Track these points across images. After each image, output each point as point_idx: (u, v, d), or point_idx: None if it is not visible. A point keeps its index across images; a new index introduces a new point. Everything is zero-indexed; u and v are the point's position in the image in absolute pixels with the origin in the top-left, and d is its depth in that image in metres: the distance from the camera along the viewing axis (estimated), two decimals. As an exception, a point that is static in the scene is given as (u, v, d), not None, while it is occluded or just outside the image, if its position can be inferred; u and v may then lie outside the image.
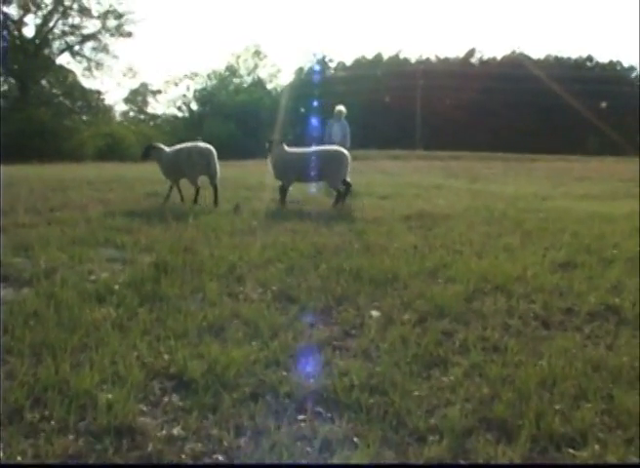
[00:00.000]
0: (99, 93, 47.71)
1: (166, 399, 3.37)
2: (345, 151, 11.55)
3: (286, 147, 11.61)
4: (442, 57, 61.96)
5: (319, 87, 49.41)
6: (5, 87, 43.42)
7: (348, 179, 11.38)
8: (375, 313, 4.87)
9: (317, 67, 58.25)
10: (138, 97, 57.96)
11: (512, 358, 4.00)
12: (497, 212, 10.62)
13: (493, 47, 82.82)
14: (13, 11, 41.21)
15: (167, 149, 11.73)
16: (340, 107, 16.01)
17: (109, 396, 3.25)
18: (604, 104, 51.01)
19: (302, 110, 42.98)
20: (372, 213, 10.24)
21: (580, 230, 8.64)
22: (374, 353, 4.07)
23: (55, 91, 44.70)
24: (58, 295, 4.96)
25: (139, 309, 4.74)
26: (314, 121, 29.34)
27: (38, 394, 3.30)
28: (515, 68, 52.92)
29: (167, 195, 11.39)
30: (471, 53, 61.02)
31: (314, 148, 12.06)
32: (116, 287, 5.24)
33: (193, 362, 3.72)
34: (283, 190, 11.40)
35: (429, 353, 4.05)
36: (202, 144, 11.45)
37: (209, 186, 11.32)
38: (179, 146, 11.60)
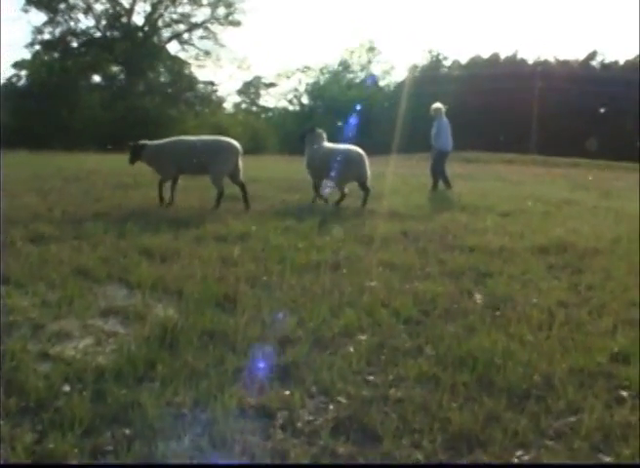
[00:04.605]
0: (212, 84, 46.58)
1: None
2: (357, 150, 10.43)
3: (325, 143, 10.70)
4: (561, 58, 57.76)
5: (433, 85, 46.76)
6: (120, 76, 42.91)
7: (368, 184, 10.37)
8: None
9: (432, 65, 55.72)
10: (251, 89, 56.90)
11: None
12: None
13: (615, 50, 76.25)
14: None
15: (158, 142, 10.06)
16: (436, 105, 14.16)
17: None
18: None
19: (413, 108, 40.48)
20: (495, 239, 7.74)
21: None
22: None
23: (162, 80, 43.72)
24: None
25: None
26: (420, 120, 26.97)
27: None
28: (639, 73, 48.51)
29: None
30: (592, 55, 56.52)
31: (337, 146, 10.92)
32: (66, 387, 3.05)
33: None
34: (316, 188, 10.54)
35: None
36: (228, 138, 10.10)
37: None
38: (191, 138, 10.52)
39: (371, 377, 3.41)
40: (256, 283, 5.09)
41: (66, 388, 3.04)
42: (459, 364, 3.59)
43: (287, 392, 3.18)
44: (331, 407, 3.06)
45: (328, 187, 10.49)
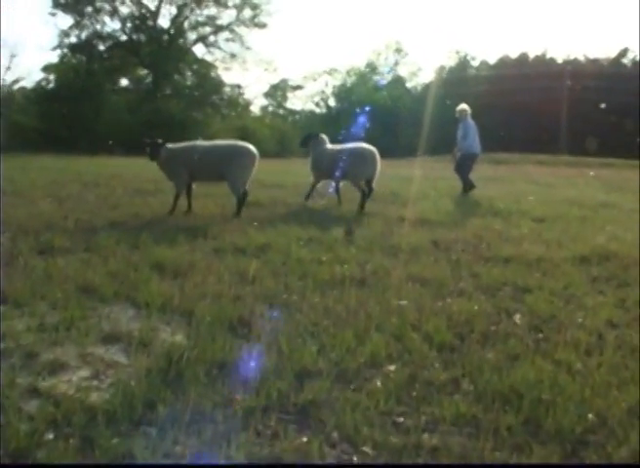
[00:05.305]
0: (238, 87, 46.43)
1: None
2: (370, 148, 10.50)
3: (328, 145, 10.98)
4: (591, 57, 56.68)
5: (460, 86, 46.20)
6: (147, 79, 42.81)
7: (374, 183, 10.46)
8: None
9: (459, 66, 55.18)
10: (278, 92, 56.82)
11: None
12: None
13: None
14: (149, 2, 40.58)
15: (173, 146, 9.48)
16: (461, 106, 13.93)
17: None
18: None
19: (441, 109, 39.84)
20: (532, 248, 7.27)
21: None
22: None
23: (188, 83, 43.59)
24: None
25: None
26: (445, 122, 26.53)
27: None
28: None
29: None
30: (623, 53, 55.29)
31: (343, 146, 10.98)
32: (50, 435, 2.65)
33: None
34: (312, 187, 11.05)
35: None
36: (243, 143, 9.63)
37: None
38: (206, 143, 9.83)
39: (401, 419, 2.97)
40: (274, 302, 4.68)
41: (50, 436, 2.64)
42: (501, 402, 3.14)
43: (304, 439, 2.76)
44: (355, 458, 2.64)
45: (331, 187, 10.86)
